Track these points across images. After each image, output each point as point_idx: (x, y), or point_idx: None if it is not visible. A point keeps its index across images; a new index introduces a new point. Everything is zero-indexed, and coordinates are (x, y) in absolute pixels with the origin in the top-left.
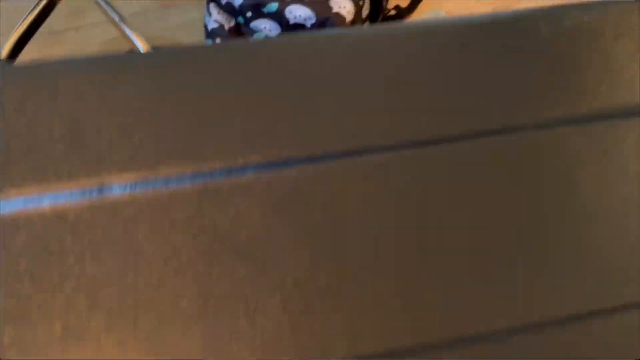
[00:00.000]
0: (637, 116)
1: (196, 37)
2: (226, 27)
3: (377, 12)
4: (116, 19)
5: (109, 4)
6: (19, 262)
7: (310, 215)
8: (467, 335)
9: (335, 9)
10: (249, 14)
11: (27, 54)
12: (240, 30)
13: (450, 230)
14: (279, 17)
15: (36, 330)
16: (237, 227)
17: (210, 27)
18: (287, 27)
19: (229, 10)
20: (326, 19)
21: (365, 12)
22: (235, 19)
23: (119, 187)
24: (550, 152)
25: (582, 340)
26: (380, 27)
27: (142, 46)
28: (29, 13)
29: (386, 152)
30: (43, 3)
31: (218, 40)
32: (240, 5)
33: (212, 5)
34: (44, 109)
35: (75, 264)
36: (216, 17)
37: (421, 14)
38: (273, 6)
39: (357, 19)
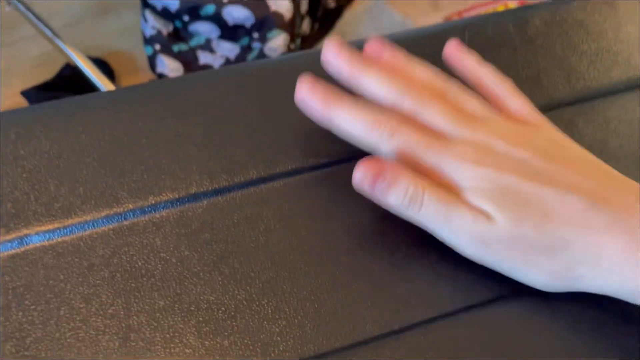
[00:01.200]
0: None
1: (134, 43)
2: (164, 32)
3: (317, 7)
4: (48, 33)
5: (39, 19)
6: None
7: (221, 243)
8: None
9: (273, 8)
10: (186, 18)
11: None
12: (179, 35)
13: (356, 238)
14: (217, 19)
15: None
16: (152, 262)
17: (147, 34)
18: (227, 28)
19: (165, 15)
20: (265, 18)
21: (304, 7)
22: (173, 24)
23: (38, 236)
24: None
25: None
26: (293, 55)
27: (77, 59)
28: None
29: (289, 176)
30: None
31: (157, 46)
32: (177, 10)
33: (147, 11)
34: None
35: (1, 313)
36: (153, 24)
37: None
38: (210, 8)
39: (296, 15)
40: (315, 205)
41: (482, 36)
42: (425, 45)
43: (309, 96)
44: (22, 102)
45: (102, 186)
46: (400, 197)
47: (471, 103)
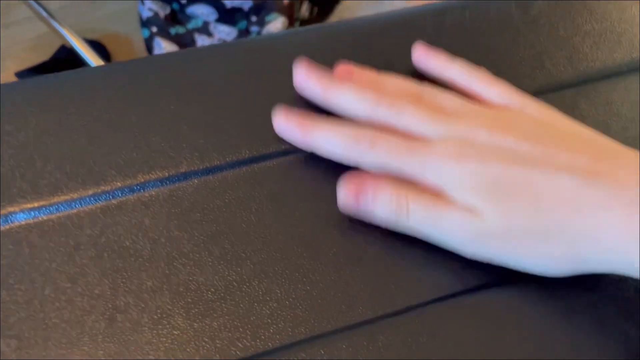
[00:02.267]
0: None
1: (131, 26)
2: (161, 14)
3: None
4: (44, 14)
5: (35, 1)
6: None
7: (212, 223)
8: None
9: None
10: (183, 0)
11: None
12: (176, 17)
13: (350, 221)
14: (215, 2)
15: None
16: (140, 242)
17: (144, 16)
18: (225, 11)
19: None
20: (264, 1)
21: None
22: (170, 6)
23: (23, 214)
24: None
25: None
26: (285, 32)
27: (73, 41)
28: None
29: (282, 156)
30: None
31: (154, 28)
32: None
33: None
34: None
35: None
36: (150, 6)
37: None
38: None
39: None
40: (309, 186)
41: (484, 17)
42: (425, 26)
43: (286, 124)
44: None
45: (90, 164)
46: (386, 208)
47: (448, 100)
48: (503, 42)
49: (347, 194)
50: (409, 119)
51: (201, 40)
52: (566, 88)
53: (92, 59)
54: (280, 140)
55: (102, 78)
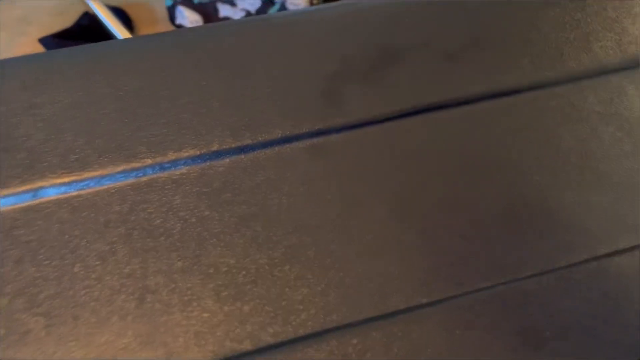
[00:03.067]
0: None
1: None
2: None
3: None
4: None
5: None
6: None
7: (243, 205)
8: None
9: None
10: None
11: None
12: None
13: (383, 207)
14: None
15: None
16: (170, 221)
17: None
18: None
19: None
20: None
21: None
22: None
23: (53, 189)
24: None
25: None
26: (317, 8)
27: (96, 7)
28: None
29: (315, 137)
30: None
31: None
32: None
33: None
34: None
35: (14, 267)
36: None
37: None
38: None
39: None
40: (342, 168)
41: None
42: (467, 4)
43: None
44: (40, 49)
45: (120, 139)
46: None
47: None
48: (548, 20)
49: None
50: None
51: (224, 10)
52: (613, 72)
53: (115, 27)
54: (313, 121)
55: (133, 52)
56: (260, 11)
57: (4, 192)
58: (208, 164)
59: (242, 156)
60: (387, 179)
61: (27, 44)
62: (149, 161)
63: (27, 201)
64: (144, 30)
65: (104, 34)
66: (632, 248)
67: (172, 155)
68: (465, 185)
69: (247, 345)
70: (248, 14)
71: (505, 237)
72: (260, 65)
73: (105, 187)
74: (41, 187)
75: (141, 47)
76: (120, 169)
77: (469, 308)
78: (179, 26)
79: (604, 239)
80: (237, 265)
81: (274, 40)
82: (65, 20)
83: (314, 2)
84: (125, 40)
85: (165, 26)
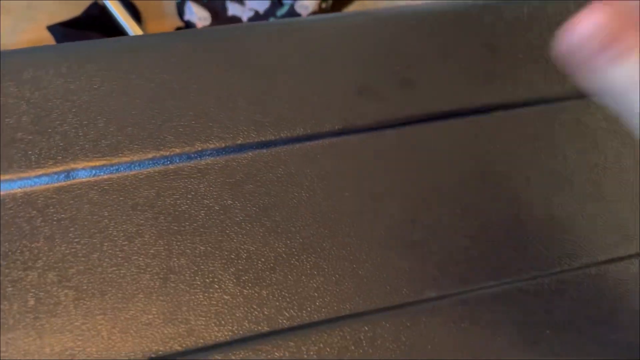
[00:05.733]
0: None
1: None
2: None
3: None
4: None
5: None
6: None
7: (264, 196)
8: (417, 299)
9: None
10: None
11: None
12: None
13: (397, 205)
14: None
15: (11, 304)
16: (195, 207)
17: None
18: None
19: None
20: None
21: None
22: None
23: (85, 171)
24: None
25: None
26: (342, 15)
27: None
28: None
29: (336, 136)
30: None
31: None
32: None
33: None
34: (11, 98)
35: (45, 243)
36: None
37: None
38: None
39: None
40: (359, 167)
41: (542, 14)
42: (483, 20)
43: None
44: (48, 37)
45: (151, 128)
46: (629, 72)
47: None
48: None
49: (595, 30)
50: None
51: (232, 8)
52: None
53: (124, 18)
54: (334, 121)
55: (165, 47)
56: (269, 12)
57: (39, 172)
58: (232, 156)
59: (265, 150)
60: (402, 179)
61: (33, 31)
62: (177, 150)
63: (60, 182)
64: (151, 23)
65: (112, 25)
66: (629, 256)
67: (199, 146)
68: (475, 190)
69: (264, 327)
70: (256, 13)
71: (510, 241)
72: (286, 67)
73: (134, 172)
74: (74, 169)
75: (173, 43)
76: (149, 156)
77: (474, 303)
78: (188, 22)
79: (603, 246)
80: (257, 252)
81: (299, 44)
82: (73, 8)
83: (323, 5)
84: (158, 35)
85: (173, 21)
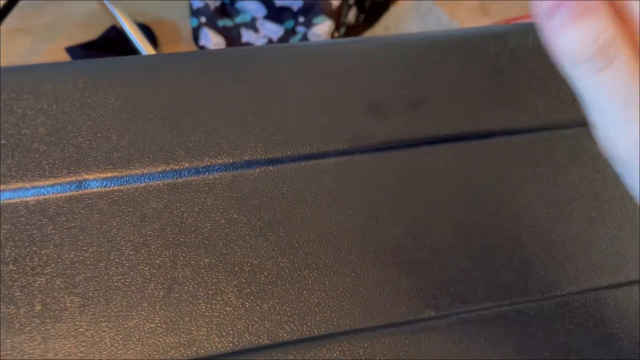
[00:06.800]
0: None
1: (180, 13)
2: (211, 6)
3: None
4: None
5: None
6: (4, 248)
7: (269, 211)
8: (424, 317)
9: None
10: None
11: (6, 25)
12: (225, 11)
13: (400, 224)
14: None
15: (18, 308)
16: (201, 220)
17: (195, 6)
18: (274, 9)
19: None
20: (313, 3)
21: None
22: None
23: (96, 182)
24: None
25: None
26: (352, 40)
27: (124, 22)
28: None
29: (340, 155)
30: None
31: (203, 19)
32: None
33: None
34: (29, 110)
35: (55, 250)
36: None
37: (410, 2)
38: None
39: (344, 3)
40: (364, 186)
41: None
42: (488, 47)
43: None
44: (66, 58)
45: (161, 142)
46: (586, 38)
47: None
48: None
49: None
50: None
51: (247, 36)
52: None
53: (141, 42)
54: (340, 140)
55: (179, 65)
56: (282, 39)
57: (52, 181)
58: (239, 172)
59: (271, 167)
60: (405, 199)
61: (52, 52)
62: (186, 164)
63: (72, 191)
64: (167, 47)
65: (129, 48)
66: (630, 283)
67: (207, 161)
68: (477, 212)
69: (264, 340)
70: (270, 41)
71: (511, 263)
72: (295, 88)
73: (144, 184)
74: (85, 180)
75: (187, 62)
76: (159, 169)
77: (474, 324)
78: (202, 47)
79: (603, 272)
80: (260, 265)
81: (309, 66)
82: (92, 31)
83: (335, 34)
84: (172, 54)
85: (189, 46)
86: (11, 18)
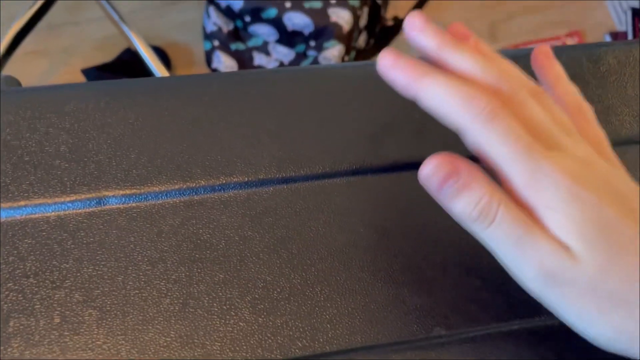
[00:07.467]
0: None
1: (194, 37)
2: (224, 30)
3: (375, 23)
4: (115, 17)
5: (108, 2)
6: (25, 261)
7: (282, 229)
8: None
9: (333, 18)
10: (247, 19)
11: (23, 47)
12: (238, 34)
13: (411, 243)
14: (277, 23)
15: (38, 320)
16: (216, 237)
17: (208, 30)
18: (285, 33)
19: (228, 13)
20: (324, 28)
21: (363, 22)
22: (234, 23)
23: (115, 199)
24: None
25: None
26: (363, 63)
27: (139, 44)
28: (29, 8)
29: (352, 175)
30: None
31: (216, 42)
32: (240, 9)
33: (211, 7)
34: (52, 128)
35: (74, 265)
36: (215, 20)
37: None
38: (272, 12)
39: (354, 28)
40: (375, 205)
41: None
42: None
43: (394, 63)
44: (81, 79)
45: (179, 161)
46: (469, 206)
47: (563, 115)
48: None
49: (434, 171)
50: (535, 111)
51: (259, 59)
52: (631, 144)
53: (155, 65)
54: (352, 160)
55: (196, 86)
56: (293, 63)
57: (72, 197)
58: (254, 190)
59: (285, 186)
60: (416, 219)
61: (68, 73)
62: (202, 182)
63: (91, 207)
64: (181, 70)
65: (143, 70)
66: None
67: (223, 179)
68: None
69: (277, 355)
70: (281, 64)
71: None
72: (309, 109)
73: (161, 201)
74: (105, 196)
75: (203, 84)
76: (176, 187)
77: (484, 343)
78: (215, 69)
79: None
80: (273, 282)
81: (322, 88)
82: (107, 54)
83: (346, 58)
84: (190, 76)
85: (202, 68)
86: (28, 41)
